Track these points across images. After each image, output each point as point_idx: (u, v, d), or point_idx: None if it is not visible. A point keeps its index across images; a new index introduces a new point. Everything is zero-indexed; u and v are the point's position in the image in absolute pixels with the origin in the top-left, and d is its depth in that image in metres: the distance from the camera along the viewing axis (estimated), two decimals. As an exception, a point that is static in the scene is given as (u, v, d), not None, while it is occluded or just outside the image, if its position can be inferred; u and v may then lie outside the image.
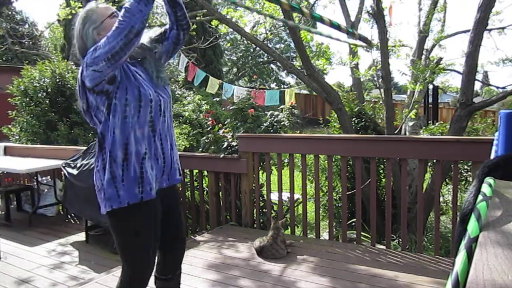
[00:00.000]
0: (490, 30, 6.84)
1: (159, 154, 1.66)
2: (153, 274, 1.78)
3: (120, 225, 1.66)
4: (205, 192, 4.29)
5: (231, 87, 7.12)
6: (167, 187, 1.75)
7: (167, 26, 1.77)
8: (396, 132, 5.17)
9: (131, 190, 1.57)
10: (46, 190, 4.95)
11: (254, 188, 3.84)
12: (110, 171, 1.55)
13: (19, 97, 6.52)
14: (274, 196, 4.03)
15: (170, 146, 1.72)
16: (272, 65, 25.61)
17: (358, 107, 5.59)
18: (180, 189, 4.01)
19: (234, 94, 6.67)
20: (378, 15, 4.59)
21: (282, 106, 4.76)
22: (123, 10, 1.45)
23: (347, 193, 3.57)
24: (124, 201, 1.57)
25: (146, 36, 1.73)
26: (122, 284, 1.70)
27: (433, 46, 7.12)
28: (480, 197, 0.75)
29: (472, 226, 0.64)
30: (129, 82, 1.56)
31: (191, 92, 12.40)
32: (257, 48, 17.17)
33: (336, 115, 4.95)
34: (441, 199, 4.59)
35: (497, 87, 6.03)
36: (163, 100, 1.66)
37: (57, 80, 6.70)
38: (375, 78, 6.08)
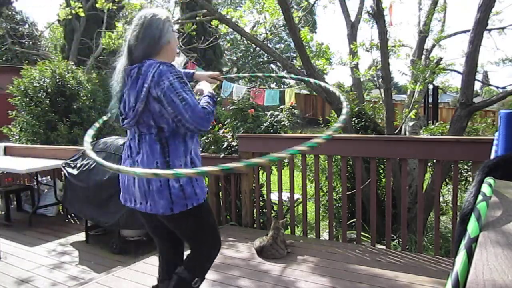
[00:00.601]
0: (490, 30, 6.84)
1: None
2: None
3: (199, 219, 1.79)
4: (205, 192, 4.28)
5: (230, 86, 7.12)
6: None
7: None
8: (396, 132, 5.16)
9: (203, 187, 1.76)
10: (46, 190, 4.95)
11: (254, 188, 3.84)
12: None
13: (19, 97, 6.52)
14: (274, 196, 4.03)
15: None
16: (272, 65, 25.59)
17: (358, 107, 5.58)
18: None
19: (233, 92, 6.66)
20: (378, 15, 4.58)
21: (282, 106, 4.77)
22: (209, 114, 1.63)
23: (347, 193, 3.57)
24: (201, 198, 1.73)
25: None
26: (201, 262, 1.86)
27: (433, 46, 7.12)
28: (480, 197, 0.75)
29: (472, 226, 0.64)
30: None
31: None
32: (257, 48, 17.17)
33: (336, 115, 4.94)
34: (441, 199, 4.59)
35: (497, 87, 6.02)
36: None
37: (57, 80, 6.71)
38: (375, 78, 6.08)
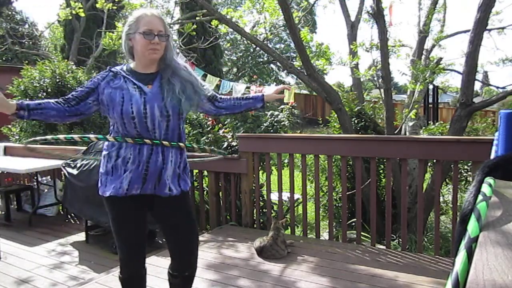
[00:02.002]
0: (490, 30, 6.83)
1: (142, 162, 1.78)
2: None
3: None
4: (205, 192, 4.29)
5: (229, 85, 7.13)
6: (155, 195, 1.85)
7: (221, 99, 2.04)
8: (396, 132, 5.17)
9: (113, 184, 1.82)
10: (46, 190, 4.95)
11: (254, 188, 3.84)
12: (106, 165, 1.87)
13: (19, 97, 6.52)
14: (274, 196, 4.03)
15: (162, 158, 1.80)
16: (272, 65, 25.59)
17: (358, 107, 5.58)
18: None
19: (233, 90, 6.66)
20: (378, 15, 4.59)
21: (282, 106, 4.77)
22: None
23: (347, 193, 3.57)
24: (102, 191, 1.88)
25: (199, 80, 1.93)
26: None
27: (433, 46, 7.12)
28: (480, 197, 0.75)
29: (472, 226, 0.64)
30: (113, 104, 1.77)
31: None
32: (257, 48, 17.17)
33: (336, 115, 4.94)
34: (441, 199, 4.59)
35: (497, 87, 6.02)
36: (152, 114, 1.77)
37: (57, 80, 6.70)
38: (375, 78, 6.08)
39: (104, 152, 1.82)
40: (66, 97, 1.79)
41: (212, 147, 2.37)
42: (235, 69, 24.35)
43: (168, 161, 1.80)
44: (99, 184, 1.84)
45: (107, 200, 1.82)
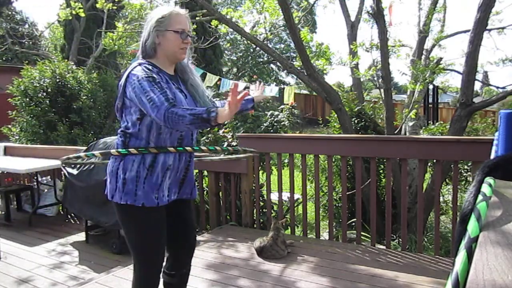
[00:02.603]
0: (490, 30, 6.83)
1: (181, 168, 1.77)
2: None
3: (129, 221, 1.77)
4: (205, 192, 4.29)
5: (229, 83, 7.13)
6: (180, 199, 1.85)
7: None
8: (396, 132, 5.16)
9: (149, 194, 1.69)
10: (46, 190, 4.95)
11: (254, 188, 3.84)
12: (137, 170, 1.67)
13: (19, 97, 6.52)
14: (274, 196, 4.03)
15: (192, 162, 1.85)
16: (272, 65, 25.58)
17: (358, 107, 5.58)
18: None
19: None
20: (378, 15, 4.59)
21: (282, 106, 4.77)
22: (177, 116, 1.51)
23: (347, 193, 3.57)
24: (139, 200, 1.68)
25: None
26: (135, 277, 1.80)
27: (433, 46, 7.12)
28: (480, 197, 0.75)
29: (472, 226, 0.64)
30: None
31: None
32: (257, 48, 17.17)
33: (336, 115, 4.94)
34: (441, 199, 4.59)
35: (497, 87, 6.02)
36: None
37: (57, 80, 6.71)
38: (375, 78, 6.07)
39: (132, 156, 1.66)
40: (172, 100, 1.58)
41: (245, 148, 2.24)
42: (235, 69, 24.35)
43: (192, 164, 1.85)
44: (120, 192, 1.67)
45: (140, 210, 1.66)
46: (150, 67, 1.66)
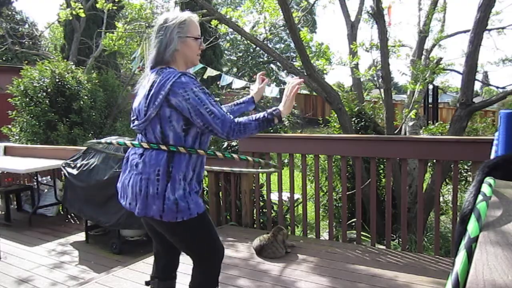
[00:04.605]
0: (490, 30, 6.84)
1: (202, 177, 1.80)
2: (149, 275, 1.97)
3: (189, 232, 1.77)
4: (205, 192, 4.29)
5: (229, 79, 7.13)
6: None
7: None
8: (396, 132, 5.17)
9: (198, 202, 1.72)
10: (46, 190, 4.96)
11: (254, 188, 3.84)
12: (183, 188, 1.66)
13: (19, 97, 6.53)
14: (274, 196, 4.03)
15: None
16: (272, 65, 25.61)
17: (358, 107, 5.59)
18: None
19: (232, 85, 6.66)
20: (378, 15, 4.59)
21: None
22: (242, 126, 1.63)
23: (347, 193, 3.57)
24: (194, 212, 1.69)
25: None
26: (204, 275, 1.83)
27: (433, 46, 7.12)
28: (480, 197, 0.75)
29: (472, 226, 0.64)
30: None
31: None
32: (257, 48, 17.17)
33: (336, 115, 4.94)
34: (441, 199, 4.59)
35: (497, 87, 6.03)
36: None
37: (57, 80, 6.71)
38: (375, 78, 6.08)
39: (179, 175, 1.64)
40: (228, 113, 1.68)
41: (264, 159, 2.21)
42: (235, 69, 24.37)
43: None
44: (173, 212, 1.63)
45: (196, 219, 1.69)
46: (197, 81, 1.65)
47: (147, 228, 1.93)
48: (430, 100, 8.43)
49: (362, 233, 3.46)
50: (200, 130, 1.66)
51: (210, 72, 7.27)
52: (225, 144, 4.08)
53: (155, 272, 1.98)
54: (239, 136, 1.64)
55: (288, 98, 1.75)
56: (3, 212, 4.81)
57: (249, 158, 1.91)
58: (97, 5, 6.02)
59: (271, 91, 6.77)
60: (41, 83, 6.61)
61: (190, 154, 1.67)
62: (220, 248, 1.84)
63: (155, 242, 1.97)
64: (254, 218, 3.84)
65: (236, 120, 1.62)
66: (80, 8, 6.05)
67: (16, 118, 6.70)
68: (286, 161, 4.19)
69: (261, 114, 1.69)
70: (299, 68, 4.76)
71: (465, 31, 7.00)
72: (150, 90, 1.64)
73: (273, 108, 1.70)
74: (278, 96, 7.29)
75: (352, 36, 6.57)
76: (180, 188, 1.65)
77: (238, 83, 6.59)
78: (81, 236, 4.00)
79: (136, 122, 1.73)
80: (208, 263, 1.83)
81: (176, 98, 1.59)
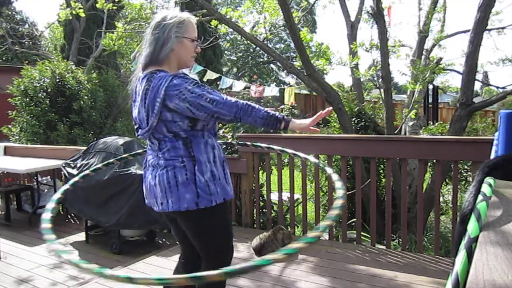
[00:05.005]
0: (490, 30, 6.84)
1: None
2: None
3: (219, 218, 1.76)
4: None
5: (230, 81, 7.14)
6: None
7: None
8: (396, 132, 5.16)
9: (226, 187, 1.74)
10: (46, 190, 4.95)
11: (254, 188, 3.84)
12: (210, 170, 1.67)
13: (19, 97, 6.52)
14: (274, 196, 4.03)
15: None
16: (272, 65, 25.62)
17: (358, 107, 5.58)
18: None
19: (232, 87, 6.66)
20: (378, 15, 4.59)
21: (282, 106, 4.76)
22: (250, 107, 1.62)
23: (347, 193, 3.57)
24: (221, 197, 1.70)
25: None
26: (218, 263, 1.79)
27: (433, 46, 7.13)
28: (480, 197, 0.75)
29: (472, 226, 0.64)
30: None
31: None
32: (257, 48, 17.16)
33: (336, 115, 4.94)
34: (441, 199, 4.59)
35: (497, 87, 6.03)
36: None
37: (57, 80, 6.71)
38: (375, 78, 6.08)
39: (202, 157, 1.65)
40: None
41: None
42: (235, 69, 24.36)
43: None
44: (206, 194, 1.63)
45: (222, 205, 1.69)
46: (189, 78, 1.64)
47: (175, 232, 1.89)
48: (430, 100, 8.43)
49: (362, 233, 3.46)
50: (205, 121, 1.66)
51: (210, 75, 7.27)
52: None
53: (178, 267, 1.94)
54: (246, 117, 1.61)
55: (309, 121, 1.73)
56: (3, 212, 4.81)
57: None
58: (97, 5, 6.02)
59: (271, 90, 6.78)
60: (41, 83, 6.61)
61: (203, 135, 1.68)
62: (232, 246, 1.84)
63: (184, 246, 1.91)
64: (254, 218, 3.84)
65: (245, 100, 1.64)
66: (80, 8, 6.05)
67: (16, 118, 6.70)
68: (286, 161, 4.18)
69: (272, 111, 1.69)
70: (299, 68, 4.76)
71: (465, 31, 7.01)
72: (145, 99, 1.63)
73: (287, 115, 1.72)
74: (278, 95, 7.30)
75: (352, 36, 6.57)
76: (207, 171, 1.65)
77: (238, 86, 6.60)
78: (81, 236, 4.00)
79: (140, 131, 1.71)
80: (221, 258, 1.78)
81: (173, 102, 1.58)
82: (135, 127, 1.77)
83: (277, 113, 1.67)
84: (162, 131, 1.65)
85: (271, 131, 4.46)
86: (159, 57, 1.67)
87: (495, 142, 1.44)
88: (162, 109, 1.60)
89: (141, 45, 1.75)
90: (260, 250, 3.02)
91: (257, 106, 1.65)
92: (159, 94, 1.58)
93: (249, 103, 1.63)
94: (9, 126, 6.86)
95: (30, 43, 15.70)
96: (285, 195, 4.16)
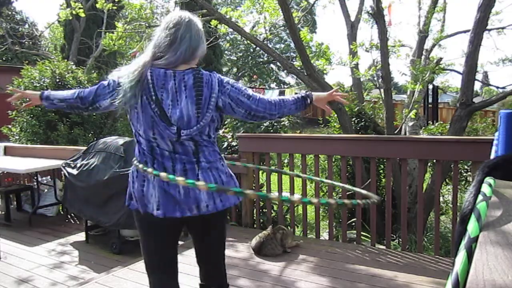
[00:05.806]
0: (489, 30, 6.84)
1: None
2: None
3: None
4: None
5: None
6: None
7: None
8: (396, 132, 5.17)
9: None
10: (46, 190, 4.95)
11: (254, 188, 3.84)
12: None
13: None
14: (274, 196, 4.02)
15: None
16: (272, 65, 25.61)
17: (358, 107, 5.58)
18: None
19: None
20: (378, 15, 4.59)
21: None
22: (280, 100, 1.70)
23: (347, 193, 3.57)
24: None
25: None
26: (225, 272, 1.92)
27: (433, 46, 7.13)
28: (480, 197, 0.75)
29: (472, 226, 0.64)
30: None
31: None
32: (257, 48, 17.17)
33: (336, 115, 4.95)
34: (441, 199, 4.59)
35: (497, 87, 6.03)
36: None
37: (57, 80, 6.70)
38: (375, 78, 6.08)
39: (225, 159, 1.75)
40: None
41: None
42: (235, 69, 24.36)
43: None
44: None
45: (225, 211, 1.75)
46: None
47: (168, 241, 1.82)
48: (430, 100, 8.43)
49: (362, 233, 3.46)
50: (242, 118, 1.71)
51: None
52: (225, 144, 4.08)
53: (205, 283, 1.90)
54: (282, 109, 1.68)
55: (326, 94, 1.82)
56: (3, 212, 4.81)
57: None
58: (97, 5, 6.02)
59: (271, 93, 6.76)
60: (42, 83, 6.60)
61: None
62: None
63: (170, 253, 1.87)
64: (254, 218, 3.85)
65: (270, 98, 1.70)
66: (80, 8, 6.05)
67: (16, 118, 6.69)
68: (286, 161, 4.18)
69: (294, 95, 1.74)
70: (299, 68, 4.76)
71: (465, 31, 7.01)
72: (195, 96, 1.55)
73: (305, 91, 1.79)
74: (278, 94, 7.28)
75: (352, 36, 6.57)
76: (227, 170, 1.72)
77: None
78: (81, 236, 4.00)
79: (185, 131, 1.56)
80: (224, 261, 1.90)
81: (222, 97, 1.60)
82: (171, 129, 1.55)
83: (299, 94, 1.75)
84: (204, 131, 1.60)
85: (271, 130, 4.46)
86: (192, 57, 1.61)
87: (495, 142, 1.44)
88: (216, 106, 1.60)
89: (146, 43, 1.71)
90: (259, 248, 3.02)
91: (281, 96, 1.74)
92: (215, 90, 1.58)
93: (274, 97, 1.70)
94: (9, 126, 6.86)
95: (30, 43, 15.71)
96: (285, 195, 4.15)
